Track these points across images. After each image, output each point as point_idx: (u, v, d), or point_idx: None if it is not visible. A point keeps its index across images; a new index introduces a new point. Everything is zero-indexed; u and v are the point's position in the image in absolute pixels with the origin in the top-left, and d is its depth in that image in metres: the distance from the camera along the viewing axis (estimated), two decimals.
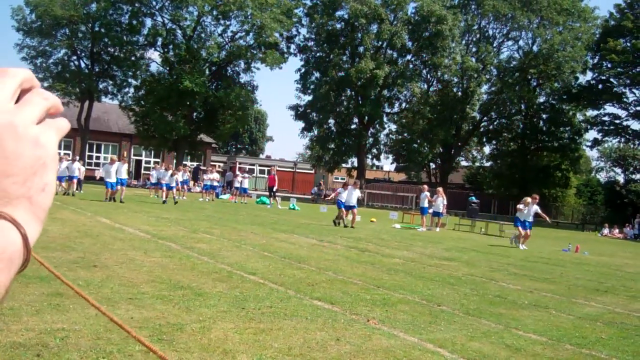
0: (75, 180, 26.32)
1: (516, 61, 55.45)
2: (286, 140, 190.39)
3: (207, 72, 46.65)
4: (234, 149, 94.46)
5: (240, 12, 44.84)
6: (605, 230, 40.54)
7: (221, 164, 62.21)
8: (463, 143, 58.44)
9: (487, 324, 7.24)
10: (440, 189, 27.00)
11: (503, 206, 54.49)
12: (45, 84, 42.86)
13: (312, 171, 66.66)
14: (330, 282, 9.12)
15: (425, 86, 55.61)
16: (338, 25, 50.86)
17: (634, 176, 64.81)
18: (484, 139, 59.73)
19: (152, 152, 52.92)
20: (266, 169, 55.93)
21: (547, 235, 33.22)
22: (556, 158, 55.95)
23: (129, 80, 48.10)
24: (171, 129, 43.80)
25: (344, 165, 55.57)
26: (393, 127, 58.03)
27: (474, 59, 52.91)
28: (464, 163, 67.28)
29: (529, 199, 20.34)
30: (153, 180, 32.02)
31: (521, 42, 55.93)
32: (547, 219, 23.35)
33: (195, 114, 48.45)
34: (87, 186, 31.86)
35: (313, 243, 14.74)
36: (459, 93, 53.58)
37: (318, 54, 52.19)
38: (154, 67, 48.50)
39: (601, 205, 60.77)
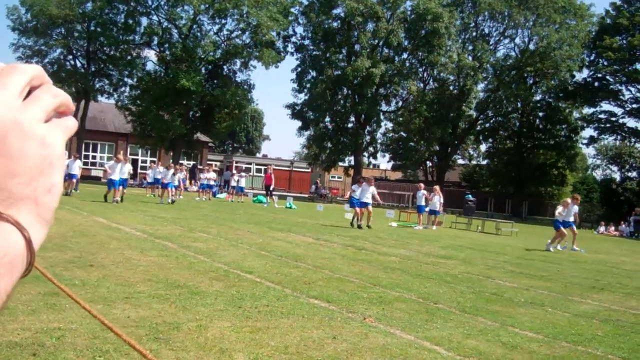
0: (74, 180, 26.17)
1: (512, 59, 55.48)
2: (283, 139, 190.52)
3: (203, 70, 46.61)
4: (230, 148, 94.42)
5: (236, 10, 44.81)
6: (602, 228, 40.63)
7: (218, 163, 62.14)
8: (459, 141, 58.49)
9: (483, 321, 7.25)
10: (437, 187, 27.03)
11: (499, 204, 54.49)
12: None
13: (309, 170, 66.63)
14: (327, 280, 9.12)
15: (422, 84, 55.63)
16: (334, 24, 50.86)
17: (630, 174, 64.90)
18: (481, 137, 59.79)
19: (149, 151, 52.88)
20: (263, 167, 55.88)
21: (544, 232, 33.23)
22: (552, 156, 56.00)
23: (125, 79, 48.12)
24: (168, 128, 43.75)
25: (340, 163, 55.58)
26: (390, 125, 58.19)
27: (470, 57, 52.93)
28: (460, 161, 67.40)
29: (568, 200, 19.87)
30: (149, 180, 31.96)
31: (517, 40, 56.00)
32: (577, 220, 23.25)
33: (191, 112, 48.42)
34: (82, 185, 31.84)
35: (310, 242, 14.75)
36: (456, 91, 53.62)
37: (314, 53, 52.18)
38: (150, 66, 48.47)
39: (597, 203, 60.81)
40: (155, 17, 46.18)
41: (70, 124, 0.62)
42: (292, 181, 65.31)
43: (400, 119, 55.64)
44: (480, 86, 55.42)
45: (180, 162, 43.43)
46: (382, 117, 54.72)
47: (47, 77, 0.61)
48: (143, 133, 46.22)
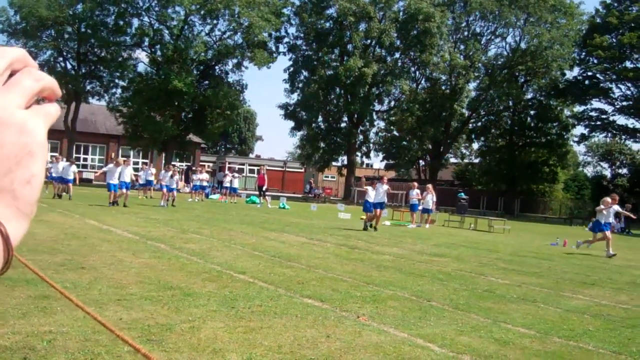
0: (70, 184, 25.93)
1: (504, 58, 55.62)
2: (276, 140, 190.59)
3: (195, 71, 46.49)
4: (223, 149, 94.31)
5: (228, 11, 44.72)
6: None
7: (210, 164, 62.05)
8: (452, 140, 58.59)
9: (476, 318, 7.27)
10: (429, 186, 27.09)
11: (492, 202, 54.69)
12: None
13: (302, 170, 66.65)
14: (320, 280, 9.12)
15: (414, 84, 55.69)
16: (327, 24, 50.84)
17: (620, 171, 65.24)
18: (473, 136, 59.95)
19: (141, 153, 52.71)
20: (256, 168, 55.85)
21: (535, 229, 33.34)
22: (544, 153, 56.19)
23: (116, 81, 47.83)
24: (160, 129, 43.63)
25: (334, 163, 55.60)
26: (382, 124, 58.20)
27: (462, 57, 53.02)
28: (453, 160, 67.51)
29: (609, 199, 18.10)
30: (141, 181, 31.83)
31: (509, 39, 56.36)
32: (633, 216, 22.96)
33: (183, 114, 48.29)
34: (74, 188, 31.71)
35: (303, 241, 14.74)
36: (448, 90, 53.71)
37: (307, 53, 52.15)
38: (141, 68, 48.27)
39: (589, 200, 61.05)
40: (146, 18, 46.03)
41: (53, 111, 0.58)
42: (285, 181, 65.28)
43: (393, 118, 55.69)
44: (472, 85, 55.61)
45: (172, 163, 43.31)
46: (374, 116, 54.77)
47: (32, 61, 0.57)
48: (135, 135, 46.04)
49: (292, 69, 52.22)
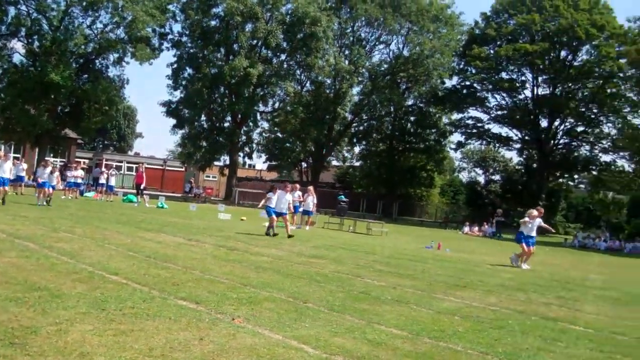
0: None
1: (387, 64, 56.83)
2: (157, 137, 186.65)
3: (74, 64, 44.82)
4: (101, 145, 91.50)
5: (111, 3, 43.41)
6: (466, 228, 42.28)
7: (86, 161, 59.99)
8: (334, 143, 59.29)
9: (351, 319, 7.37)
10: (310, 188, 27.28)
11: (371, 205, 55.77)
12: None
13: (183, 169, 65.59)
14: (197, 281, 9.00)
15: (299, 86, 55.99)
16: (213, 22, 50.21)
17: (493, 177, 68.19)
18: (355, 139, 60.91)
19: (12, 147, 50.27)
20: (134, 166, 54.52)
21: (412, 232, 34.27)
22: (422, 159, 57.90)
23: None
24: (34, 122, 41.83)
25: (215, 163, 55.06)
26: (266, 125, 58.19)
27: (346, 61, 53.75)
28: (334, 162, 68.36)
29: (534, 212, 17.76)
30: (12, 177, 30.15)
31: (392, 46, 57.46)
32: (551, 230, 22.89)
33: (60, 108, 46.48)
34: None
35: (180, 242, 14.50)
36: (332, 94, 54.29)
37: (192, 50, 51.24)
38: (17, 58, 45.99)
39: (463, 204, 63.41)
40: (23, 7, 43.96)
41: None
42: (165, 180, 64.02)
43: (277, 119, 55.78)
44: (356, 90, 56.49)
45: (47, 159, 41.59)
46: (259, 117, 54.67)
47: None
48: (7, 128, 43.89)
49: (176, 65, 51.20)
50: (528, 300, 10.64)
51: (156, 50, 49.20)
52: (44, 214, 18.89)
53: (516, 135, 56.85)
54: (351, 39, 56.34)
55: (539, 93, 54.67)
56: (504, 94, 55.02)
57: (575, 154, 57.13)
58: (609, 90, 52.65)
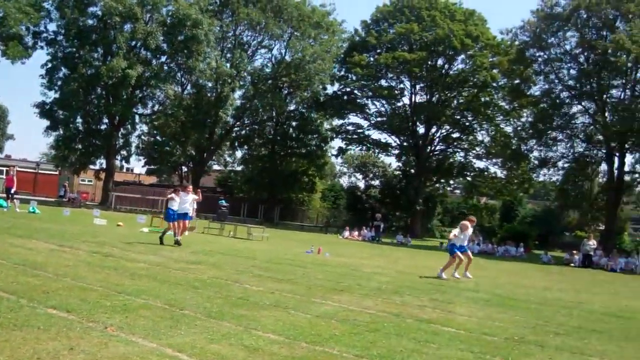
0: None
1: (269, 69, 56.91)
2: (29, 140, 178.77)
3: None
4: None
5: None
6: (346, 233, 42.82)
7: None
8: (216, 147, 58.77)
9: (228, 325, 7.33)
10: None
11: (253, 209, 55.68)
12: None
13: (57, 172, 63.10)
14: (69, 289, 8.69)
15: (180, 89, 55.16)
16: (90, 21, 48.57)
17: (373, 182, 69.60)
18: (236, 143, 60.56)
19: None
20: (5, 169, 52.00)
21: (293, 237, 34.44)
22: (304, 164, 58.28)
23: None
24: None
25: (91, 166, 53.32)
26: (145, 128, 56.87)
27: (228, 65, 53.38)
28: (216, 167, 67.76)
29: (467, 223, 17.24)
30: None
31: (275, 51, 57.59)
32: (477, 240, 22.64)
33: None
34: None
35: (52, 248, 13.95)
36: (213, 97, 53.72)
37: (67, 50, 49.35)
38: None
39: (344, 209, 64.32)
40: None
41: None
42: (37, 184, 61.39)
43: (156, 122, 54.65)
44: (238, 93, 56.14)
45: None
46: (137, 119, 53.40)
47: None
48: None
49: (50, 65, 49.17)
50: (403, 303, 10.90)
51: (30, 49, 47.14)
52: None
53: (395, 141, 58.33)
54: (233, 42, 56.02)
55: (417, 100, 56.37)
56: (384, 101, 56.31)
57: (451, 160, 59.21)
58: (483, 99, 54.98)
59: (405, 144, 57.58)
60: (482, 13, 56.02)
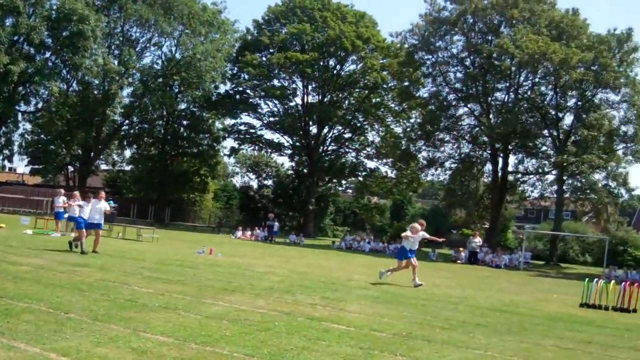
0: None
1: (159, 67, 55.85)
2: None
3: None
4: None
5: None
6: (239, 233, 42.60)
7: None
8: (103, 146, 57.21)
9: (115, 328, 7.16)
10: (76, 193, 26.04)
11: (143, 210, 54.57)
12: None
13: None
14: None
15: (65, 86, 53.30)
16: None
17: (266, 182, 69.59)
18: (125, 143, 59.09)
19: None
20: None
21: (185, 238, 33.98)
22: (195, 163, 57.55)
23: None
24: None
25: None
26: (29, 126, 54.65)
27: (116, 62, 52.04)
28: (104, 166, 65.97)
29: (417, 225, 16.89)
30: None
31: (165, 49, 56.54)
32: (438, 239, 22.22)
33: None
34: None
35: None
36: (100, 95, 52.20)
37: None
38: None
39: (236, 209, 63.97)
40: None
41: None
42: None
43: (40, 120, 52.62)
44: (126, 91, 54.83)
45: None
46: (20, 117, 51.31)
47: None
48: None
49: None
50: (295, 302, 10.96)
51: None
52: None
53: (287, 141, 58.45)
54: (121, 39, 54.65)
55: (309, 101, 56.69)
56: (276, 101, 56.30)
57: (343, 160, 59.88)
58: (373, 100, 55.96)
59: (297, 144, 57.82)
60: (373, 16, 57.12)
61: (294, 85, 56.48)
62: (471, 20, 43.87)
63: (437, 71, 46.41)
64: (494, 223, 45.26)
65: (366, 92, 55.76)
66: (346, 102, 57.79)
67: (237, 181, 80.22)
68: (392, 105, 55.56)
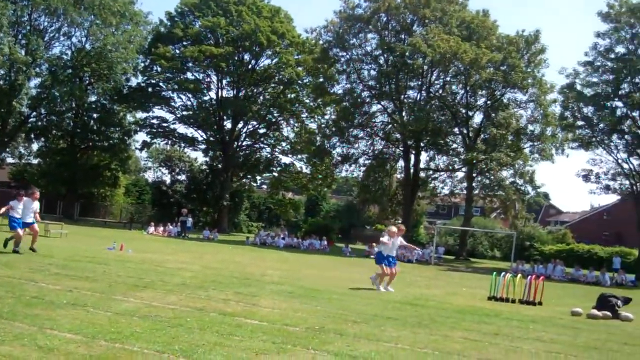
0: None
1: (69, 57, 54.23)
2: None
3: None
4: None
5: None
6: (151, 229, 41.92)
7: None
8: (9, 139, 55.18)
9: (20, 326, 6.94)
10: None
11: (51, 205, 53.03)
12: None
13: None
14: None
15: None
16: None
17: (179, 177, 68.66)
18: (32, 136, 57.16)
19: None
20: None
21: (95, 234, 33.22)
22: (106, 158, 56.29)
23: None
24: None
25: None
26: None
27: (23, 52, 50.25)
28: (10, 160, 63.65)
29: (394, 229, 15.97)
30: None
31: (74, 39, 54.90)
32: (417, 249, 21.42)
33: None
34: None
35: None
36: (6, 86, 50.32)
37: None
38: None
39: (149, 205, 62.96)
40: None
41: None
42: None
43: None
44: (34, 82, 53.00)
45: None
46: None
47: None
48: None
49: None
50: (208, 298, 10.86)
51: None
52: None
53: (202, 136, 57.82)
54: (29, 28, 52.79)
55: (224, 95, 56.28)
56: (190, 95, 55.61)
57: (258, 155, 59.76)
58: (288, 96, 56.08)
59: (212, 138, 57.30)
60: (288, 12, 57.16)
61: (208, 79, 56.07)
62: (385, 19, 44.52)
63: (352, 68, 46.91)
64: (407, 219, 46.07)
65: (281, 87, 55.81)
66: (261, 97, 57.70)
67: (150, 176, 78.95)
68: (307, 101, 55.81)
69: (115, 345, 6.44)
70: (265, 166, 59.39)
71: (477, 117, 46.51)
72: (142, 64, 55.21)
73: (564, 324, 11.73)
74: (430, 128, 42.36)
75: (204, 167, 64.06)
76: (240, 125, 57.31)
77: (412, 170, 46.01)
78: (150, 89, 54.84)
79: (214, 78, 55.91)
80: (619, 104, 37.88)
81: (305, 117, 56.94)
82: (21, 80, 48.04)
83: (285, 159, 59.15)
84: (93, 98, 56.25)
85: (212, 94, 56.50)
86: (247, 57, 55.14)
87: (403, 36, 44.81)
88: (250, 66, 55.34)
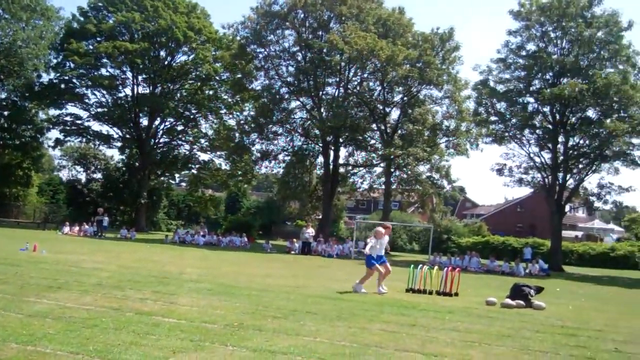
0: None
1: None
2: None
3: None
4: None
5: None
6: (66, 229, 40.85)
7: None
8: None
9: None
10: None
11: None
12: None
13: None
14: None
15: None
16: None
17: (95, 175, 67.05)
18: None
19: None
20: None
21: (7, 235, 32.16)
22: (18, 156, 54.62)
23: None
24: None
25: None
26: None
27: None
28: None
29: (381, 229, 15.67)
30: None
31: None
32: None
33: None
34: None
35: None
36: None
37: None
38: None
39: (63, 204, 61.35)
40: None
41: None
42: None
43: None
44: None
45: None
46: None
47: None
48: None
49: None
50: (124, 297, 10.71)
51: None
52: None
53: (117, 133, 56.63)
54: None
55: (140, 92, 55.27)
56: (104, 92, 54.39)
57: (176, 152, 58.99)
58: (206, 92, 55.59)
59: (128, 136, 56.25)
60: (205, 8, 56.63)
61: (123, 76, 54.86)
62: (302, 15, 44.61)
63: (270, 64, 46.81)
64: (327, 214, 46.42)
65: (198, 83, 55.35)
66: (178, 93, 56.99)
67: (64, 175, 76.79)
68: (226, 97, 55.43)
69: (27, 348, 6.30)
70: (184, 163, 58.71)
71: (394, 113, 47.26)
72: (55, 60, 53.72)
73: (479, 314, 12.06)
74: (348, 124, 42.69)
75: (121, 165, 62.81)
76: (157, 122, 56.46)
77: (331, 166, 46.28)
78: (63, 86, 53.33)
79: (129, 74, 54.81)
80: (531, 99, 39.29)
81: (223, 114, 56.53)
82: None
83: (204, 156, 58.70)
84: (3, 95, 54.48)
85: (128, 91, 55.46)
86: (163, 53, 54.32)
87: (320, 33, 44.99)
88: (166, 62, 54.55)
